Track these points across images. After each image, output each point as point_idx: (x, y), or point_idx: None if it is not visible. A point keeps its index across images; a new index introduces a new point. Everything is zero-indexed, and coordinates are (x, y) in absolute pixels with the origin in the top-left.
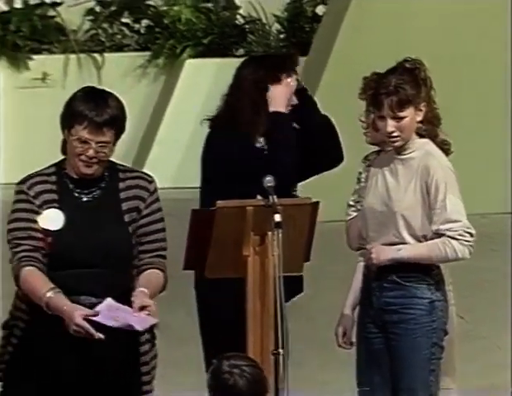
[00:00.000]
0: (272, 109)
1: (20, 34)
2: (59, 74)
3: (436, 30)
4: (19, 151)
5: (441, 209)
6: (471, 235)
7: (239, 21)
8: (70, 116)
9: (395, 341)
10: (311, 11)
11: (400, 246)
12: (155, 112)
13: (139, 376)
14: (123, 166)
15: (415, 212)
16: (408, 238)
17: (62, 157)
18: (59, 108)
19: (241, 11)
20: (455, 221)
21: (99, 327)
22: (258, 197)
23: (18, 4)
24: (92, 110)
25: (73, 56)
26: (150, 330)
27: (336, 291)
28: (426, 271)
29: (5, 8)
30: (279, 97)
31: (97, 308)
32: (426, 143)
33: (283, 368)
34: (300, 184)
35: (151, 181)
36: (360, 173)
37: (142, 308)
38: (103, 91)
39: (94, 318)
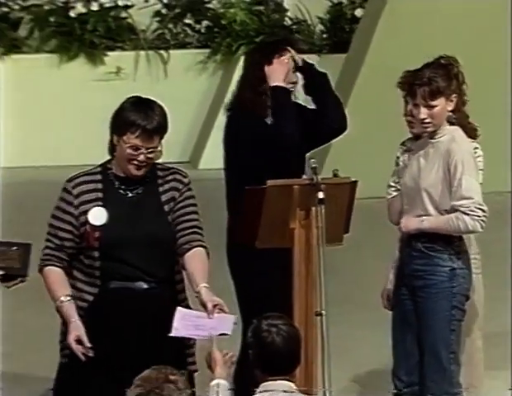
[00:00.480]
0: (270, 84)
1: (96, 33)
2: (130, 68)
3: (462, 30)
4: (96, 135)
5: (457, 187)
6: (483, 211)
7: (287, 22)
8: (122, 125)
9: (420, 304)
10: (350, 14)
11: (424, 218)
12: (214, 102)
13: (186, 349)
14: (161, 165)
15: (437, 189)
16: (432, 211)
17: None
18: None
19: (289, 14)
20: (468, 198)
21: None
22: (304, 177)
23: (95, 7)
24: (143, 119)
25: (142, 53)
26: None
27: (373, 258)
28: (448, 242)
29: (83, 10)
30: (274, 74)
31: (174, 324)
32: (455, 130)
33: (325, 326)
34: (338, 167)
35: (186, 177)
36: (398, 157)
37: (214, 306)
38: (149, 100)
39: (179, 335)
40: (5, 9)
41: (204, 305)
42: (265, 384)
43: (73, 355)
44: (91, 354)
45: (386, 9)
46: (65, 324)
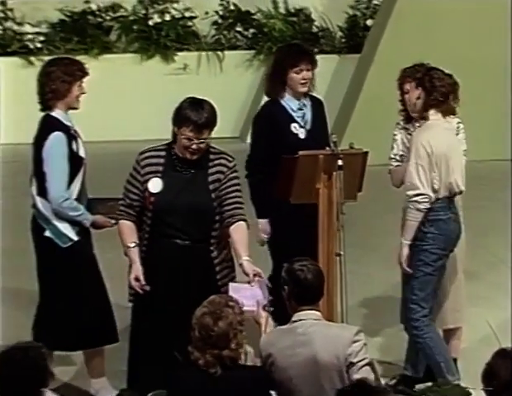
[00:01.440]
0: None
1: (168, 38)
2: (194, 65)
3: (459, 37)
4: (166, 116)
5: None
6: (422, 195)
7: (314, 29)
8: (180, 119)
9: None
10: (363, 23)
11: (401, 241)
12: (258, 90)
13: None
14: (214, 149)
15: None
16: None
17: None
18: (195, 89)
19: (315, 23)
20: (409, 189)
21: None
22: (327, 149)
23: (168, 18)
24: (195, 117)
25: (203, 53)
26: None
27: (381, 213)
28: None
29: (158, 20)
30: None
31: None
32: (432, 118)
33: (343, 266)
34: (354, 140)
35: (231, 161)
36: (394, 134)
37: (255, 275)
38: (202, 100)
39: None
40: (99, 19)
41: (246, 274)
42: (298, 313)
43: (136, 294)
44: (147, 288)
45: (391, 20)
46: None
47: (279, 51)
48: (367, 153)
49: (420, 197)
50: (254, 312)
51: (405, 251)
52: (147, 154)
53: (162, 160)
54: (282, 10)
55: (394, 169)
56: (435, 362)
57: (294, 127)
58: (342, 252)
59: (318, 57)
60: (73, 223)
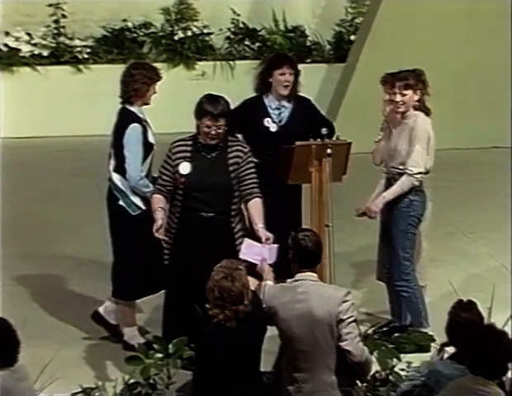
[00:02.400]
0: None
1: (190, 50)
2: (210, 72)
3: (425, 49)
4: (188, 113)
5: (410, 153)
6: (420, 173)
7: (308, 43)
8: (200, 112)
9: (390, 222)
10: (348, 38)
11: (384, 193)
12: None
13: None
14: (231, 138)
15: (404, 152)
16: (401, 167)
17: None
18: (211, 91)
19: (309, 38)
20: (413, 165)
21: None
22: (319, 140)
23: (189, 33)
24: (212, 108)
25: (218, 62)
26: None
27: (363, 192)
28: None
29: (182, 36)
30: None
31: (242, 250)
32: (418, 115)
33: (332, 235)
34: (341, 132)
35: (246, 148)
36: (383, 124)
37: (266, 239)
38: (217, 96)
39: (245, 258)
40: (134, 35)
41: (260, 238)
42: (299, 274)
43: (170, 254)
44: (164, 237)
45: (370, 35)
46: (177, 247)
47: (268, 57)
48: (350, 143)
49: (419, 175)
50: (258, 265)
51: (382, 204)
52: (176, 144)
53: (189, 148)
54: (281, 27)
55: (375, 150)
56: (418, 310)
57: (267, 121)
58: (331, 224)
59: (310, 66)
60: (141, 195)
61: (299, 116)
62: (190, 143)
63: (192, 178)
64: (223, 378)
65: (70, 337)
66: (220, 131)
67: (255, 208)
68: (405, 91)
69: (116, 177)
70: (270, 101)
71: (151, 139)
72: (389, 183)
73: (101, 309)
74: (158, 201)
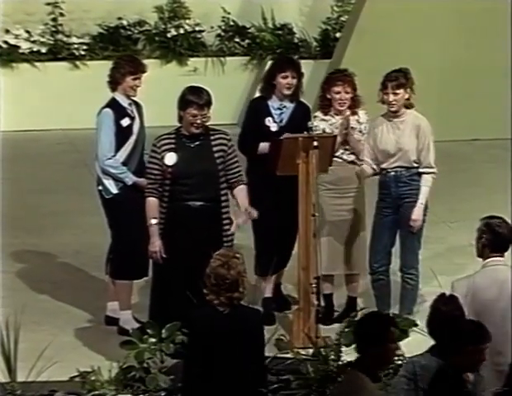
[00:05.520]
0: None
1: (182, 47)
2: (202, 68)
3: (405, 47)
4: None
5: (426, 151)
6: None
7: (295, 40)
8: (185, 102)
9: (405, 214)
10: (333, 35)
11: (419, 202)
12: (252, 87)
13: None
14: (212, 128)
15: (411, 149)
16: (404, 163)
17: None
18: (203, 86)
19: (296, 35)
20: (431, 166)
21: None
22: (305, 133)
23: (182, 31)
24: (197, 98)
25: (209, 59)
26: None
27: None
28: (420, 175)
29: (175, 33)
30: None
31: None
32: (411, 112)
33: (317, 223)
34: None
35: (228, 135)
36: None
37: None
38: (199, 87)
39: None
40: (129, 32)
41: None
42: (492, 259)
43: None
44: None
45: (354, 33)
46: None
47: (273, 60)
48: (335, 136)
49: (436, 170)
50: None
51: (422, 211)
52: (160, 138)
53: (173, 140)
54: (270, 25)
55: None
56: (415, 298)
57: (268, 120)
58: (316, 214)
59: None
60: (117, 180)
61: (299, 118)
62: (173, 136)
63: (178, 167)
64: (213, 362)
65: (68, 322)
66: (204, 120)
67: (241, 194)
68: (397, 91)
69: (96, 163)
70: (273, 102)
71: (125, 124)
72: (395, 181)
73: (108, 313)
74: (153, 208)
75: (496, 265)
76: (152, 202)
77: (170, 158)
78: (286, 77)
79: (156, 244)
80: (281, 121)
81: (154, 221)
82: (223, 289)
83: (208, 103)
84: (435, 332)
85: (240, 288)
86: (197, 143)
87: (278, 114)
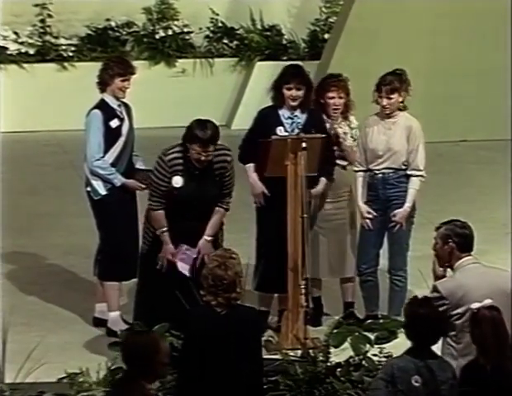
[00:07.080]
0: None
1: (171, 48)
2: (190, 69)
3: (391, 49)
4: (172, 106)
5: (415, 153)
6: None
7: (284, 41)
8: (190, 137)
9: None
10: (322, 37)
11: (406, 204)
12: (241, 87)
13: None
14: (217, 145)
15: (401, 150)
16: (393, 165)
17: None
18: (191, 88)
19: (285, 37)
20: (419, 168)
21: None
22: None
23: (170, 32)
24: (201, 135)
25: (198, 60)
26: None
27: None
28: (408, 177)
29: (163, 34)
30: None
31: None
32: (404, 114)
33: (306, 224)
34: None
35: (229, 155)
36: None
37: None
38: (207, 121)
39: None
40: (117, 34)
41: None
42: (464, 259)
43: (152, 243)
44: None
45: (343, 34)
46: (156, 235)
47: (281, 69)
48: (324, 137)
49: (424, 172)
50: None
51: (407, 213)
52: (171, 156)
53: (181, 160)
54: (258, 26)
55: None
56: (403, 300)
57: (279, 130)
58: (305, 215)
59: (286, 63)
60: (106, 181)
61: (311, 128)
62: (181, 155)
63: (182, 192)
64: (209, 363)
65: (56, 323)
66: (209, 158)
67: (215, 217)
68: (391, 95)
69: (84, 164)
70: (284, 111)
71: (114, 125)
72: (383, 183)
73: (97, 314)
74: (162, 219)
75: (474, 263)
76: (160, 214)
77: (177, 181)
78: (290, 89)
79: (169, 249)
80: (292, 131)
81: (164, 228)
82: (221, 290)
83: (212, 139)
84: (413, 335)
85: (238, 288)
86: (201, 169)
87: (290, 123)
